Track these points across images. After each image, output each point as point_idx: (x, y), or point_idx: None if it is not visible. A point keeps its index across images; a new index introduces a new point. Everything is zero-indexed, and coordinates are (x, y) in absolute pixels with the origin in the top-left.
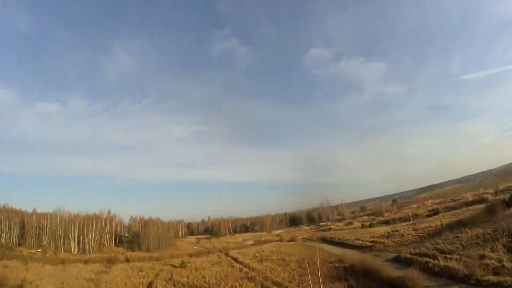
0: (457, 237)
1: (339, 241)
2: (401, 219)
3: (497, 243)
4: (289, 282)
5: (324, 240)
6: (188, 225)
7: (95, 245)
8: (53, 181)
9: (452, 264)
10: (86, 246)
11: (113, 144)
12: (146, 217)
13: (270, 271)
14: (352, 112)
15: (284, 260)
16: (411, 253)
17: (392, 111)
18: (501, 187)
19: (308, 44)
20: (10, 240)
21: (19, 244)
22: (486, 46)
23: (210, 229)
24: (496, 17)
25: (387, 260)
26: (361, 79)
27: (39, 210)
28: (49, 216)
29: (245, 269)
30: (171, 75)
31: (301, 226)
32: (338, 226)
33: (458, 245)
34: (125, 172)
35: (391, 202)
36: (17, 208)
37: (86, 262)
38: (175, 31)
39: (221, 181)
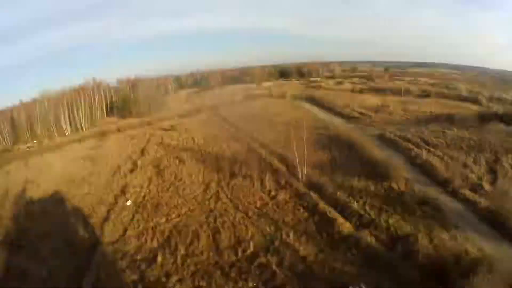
0: (443, 132)
1: (327, 105)
2: (392, 91)
3: (481, 156)
4: (275, 144)
5: (313, 102)
6: (177, 79)
7: (86, 120)
8: (32, 67)
9: (435, 161)
10: (78, 125)
11: (85, 8)
12: (133, 77)
13: (257, 131)
14: None
15: (272, 121)
16: (395, 135)
17: None
18: (496, 95)
19: None
20: (4, 141)
21: (14, 143)
22: None
23: (199, 81)
24: None
25: (371, 136)
26: None
27: (26, 100)
28: (36, 103)
29: (233, 129)
30: None
31: (291, 79)
32: (328, 84)
33: (442, 141)
34: (105, 35)
35: (384, 69)
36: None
37: (80, 140)
38: None
39: (212, 30)
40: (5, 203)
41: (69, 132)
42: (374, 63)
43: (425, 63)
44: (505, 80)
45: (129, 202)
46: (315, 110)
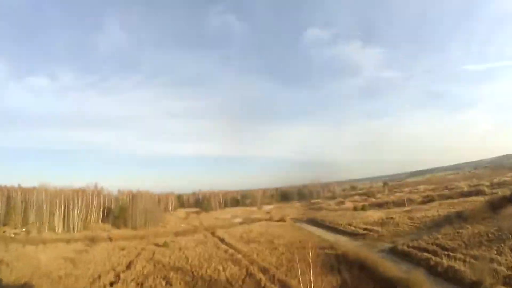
0: (457, 232)
1: (330, 225)
2: (394, 203)
3: (503, 245)
4: (277, 268)
5: (315, 223)
6: (179, 197)
7: (80, 221)
8: (40, 155)
9: (458, 265)
10: (71, 224)
11: (102, 118)
12: (135, 190)
13: (257, 254)
14: (348, 94)
15: (272, 242)
16: (408, 246)
17: (388, 95)
18: (496, 180)
19: (306, 23)
20: None
21: (4, 224)
22: (486, 40)
23: (200, 201)
24: (495, 12)
25: (382, 251)
26: (358, 62)
27: (25, 185)
28: (35, 191)
29: (231, 251)
30: (164, 50)
31: (292, 201)
32: (329, 205)
33: (460, 242)
34: (115, 146)
35: (383, 184)
36: (2, 185)
37: (68, 241)
38: (170, 5)
39: (214, 156)
40: None
41: (60, 230)
42: (372, 179)
43: (421, 170)
44: (500, 165)
45: None
46: (318, 231)
